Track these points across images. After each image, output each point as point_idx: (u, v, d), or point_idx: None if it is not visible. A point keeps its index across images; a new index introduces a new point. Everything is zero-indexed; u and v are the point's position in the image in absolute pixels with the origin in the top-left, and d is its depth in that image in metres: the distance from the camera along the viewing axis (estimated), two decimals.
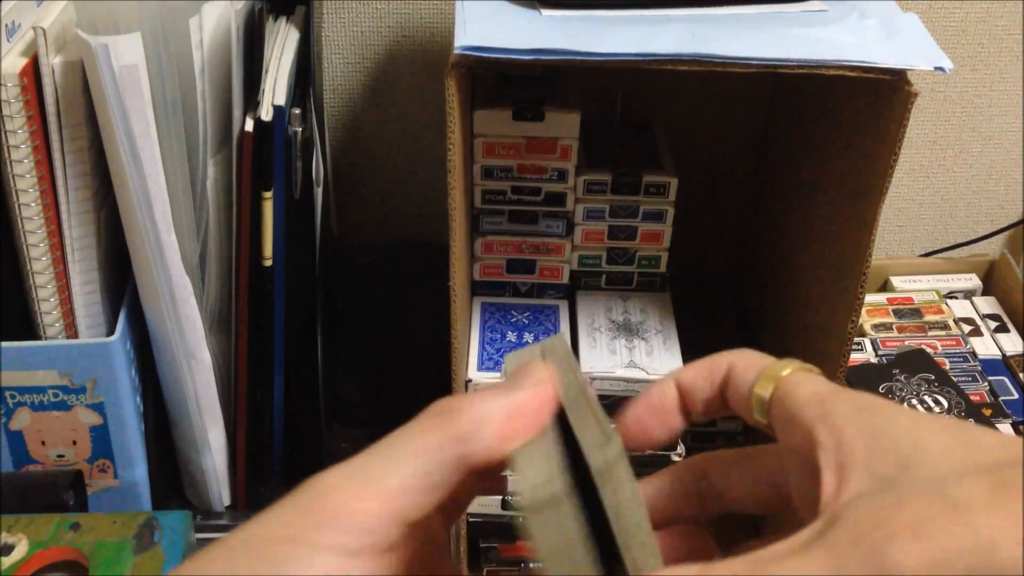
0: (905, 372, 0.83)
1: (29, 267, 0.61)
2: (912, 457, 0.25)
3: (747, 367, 0.31)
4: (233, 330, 0.69)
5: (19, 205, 0.59)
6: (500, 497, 0.69)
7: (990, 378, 0.85)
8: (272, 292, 0.67)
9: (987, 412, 0.80)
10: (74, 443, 0.67)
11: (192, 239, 0.64)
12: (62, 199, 0.60)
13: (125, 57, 0.54)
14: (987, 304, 0.94)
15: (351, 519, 0.27)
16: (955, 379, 0.83)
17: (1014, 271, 0.94)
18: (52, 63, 0.56)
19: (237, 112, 0.63)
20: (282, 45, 0.68)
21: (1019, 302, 0.92)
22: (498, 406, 0.29)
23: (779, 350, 0.81)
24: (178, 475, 0.75)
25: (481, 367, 0.67)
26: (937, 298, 0.94)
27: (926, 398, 0.81)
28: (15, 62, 0.56)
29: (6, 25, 0.56)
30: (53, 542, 0.58)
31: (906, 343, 0.89)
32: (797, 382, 0.30)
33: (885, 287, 0.97)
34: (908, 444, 0.25)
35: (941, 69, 0.52)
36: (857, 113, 0.60)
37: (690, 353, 0.76)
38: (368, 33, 0.89)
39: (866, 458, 0.26)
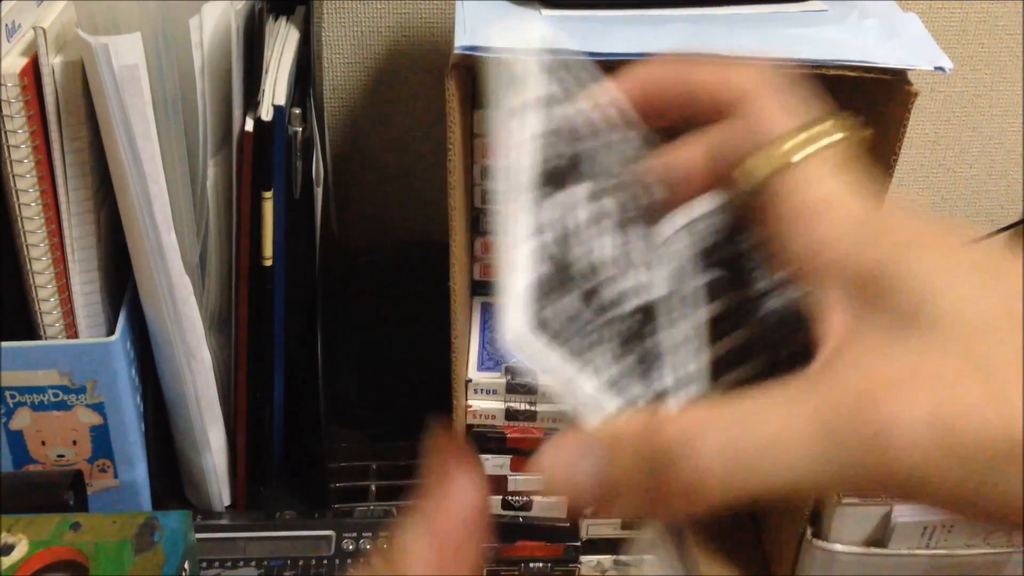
0: None
1: (29, 267, 0.61)
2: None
3: (746, 130, 0.27)
4: (233, 330, 0.69)
5: (19, 205, 0.59)
6: (500, 497, 0.69)
7: None
8: (272, 292, 0.67)
9: None
10: (74, 443, 0.67)
11: (192, 239, 0.64)
12: (62, 199, 0.60)
13: (125, 57, 0.54)
14: None
15: None
16: None
17: None
18: (52, 63, 0.56)
19: (237, 112, 0.63)
20: (282, 45, 0.67)
21: None
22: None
23: None
24: (178, 475, 0.75)
25: (481, 367, 0.67)
26: None
27: None
28: (15, 62, 0.56)
29: (6, 25, 0.56)
30: (53, 542, 0.58)
31: None
32: (808, 181, 0.25)
33: None
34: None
35: (941, 69, 0.51)
36: (857, 113, 0.60)
37: None
38: (368, 33, 0.89)
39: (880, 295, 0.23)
